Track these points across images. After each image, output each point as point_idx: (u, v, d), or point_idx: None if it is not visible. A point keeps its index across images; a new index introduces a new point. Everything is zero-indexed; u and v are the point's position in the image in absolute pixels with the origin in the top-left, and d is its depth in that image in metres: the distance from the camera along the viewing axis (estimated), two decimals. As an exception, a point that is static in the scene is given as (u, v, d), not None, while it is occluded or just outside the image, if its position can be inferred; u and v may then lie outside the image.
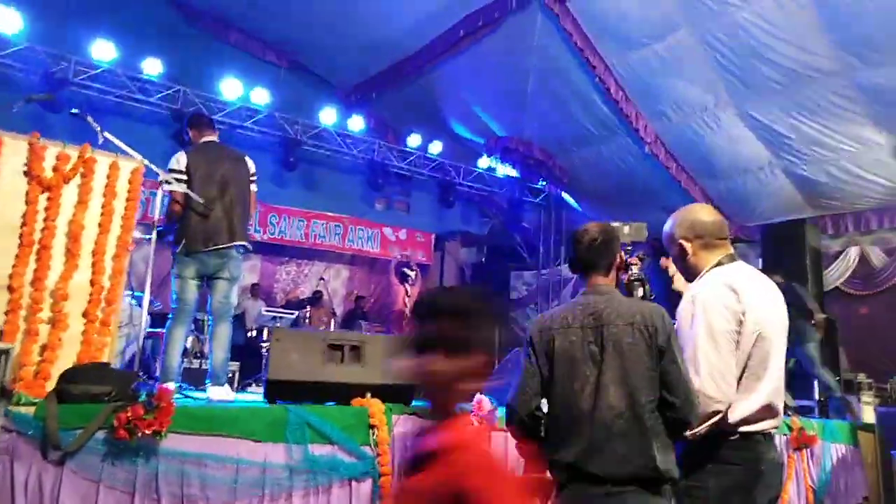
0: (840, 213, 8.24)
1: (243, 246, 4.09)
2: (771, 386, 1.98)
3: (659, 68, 7.04)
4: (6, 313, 3.05)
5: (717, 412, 1.92)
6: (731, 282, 2.01)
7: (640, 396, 1.88)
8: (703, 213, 2.20)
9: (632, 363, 1.92)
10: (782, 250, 8.16)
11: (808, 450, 5.07)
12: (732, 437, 1.96)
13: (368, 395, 3.47)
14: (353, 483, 3.20)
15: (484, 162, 10.44)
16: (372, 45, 8.50)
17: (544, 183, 10.88)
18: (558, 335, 2.06)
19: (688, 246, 2.15)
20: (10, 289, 3.09)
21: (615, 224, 3.35)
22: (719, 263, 2.10)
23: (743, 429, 1.96)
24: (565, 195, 10.72)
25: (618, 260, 2.16)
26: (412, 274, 8.00)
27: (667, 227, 2.25)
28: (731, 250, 2.16)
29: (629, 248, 3.24)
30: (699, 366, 1.94)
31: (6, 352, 2.10)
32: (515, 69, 8.07)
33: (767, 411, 1.99)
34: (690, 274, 2.18)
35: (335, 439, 3.21)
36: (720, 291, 1.99)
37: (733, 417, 1.95)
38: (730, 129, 7.36)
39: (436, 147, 9.94)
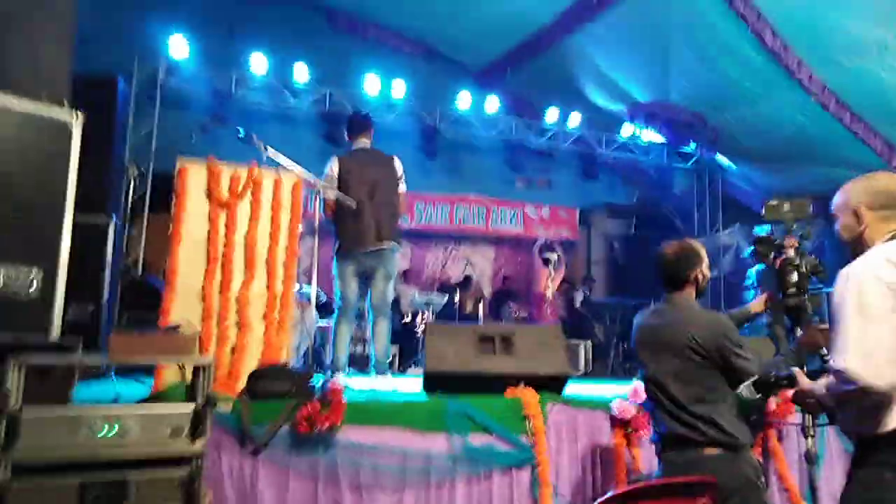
0: None
1: (394, 245, 4.31)
2: None
3: (822, 9, 6.27)
4: (201, 320, 3.50)
5: (865, 390, 1.69)
6: (893, 254, 1.79)
7: (688, 389, 2.45)
8: (893, 183, 1.95)
9: (680, 363, 2.47)
10: None
11: None
12: None
13: (522, 384, 3.55)
14: (513, 471, 3.32)
15: (627, 130, 10.00)
16: (502, 23, 8.40)
17: (694, 146, 10.23)
18: (635, 331, 2.73)
19: (864, 215, 1.92)
20: (203, 298, 3.53)
21: (773, 202, 3.11)
22: (893, 238, 1.87)
23: None
24: (719, 157, 10.00)
25: (695, 273, 2.61)
26: (554, 257, 7.90)
27: (842, 193, 2.02)
28: None
29: (790, 226, 3.00)
30: (847, 345, 1.74)
31: (208, 366, 2.42)
32: (656, 29, 7.59)
33: None
34: (859, 248, 1.94)
35: (493, 429, 3.33)
36: (876, 263, 1.80)
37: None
38: (916, 67, 6.42)
39: (574, 119, 9.69)
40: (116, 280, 5.41)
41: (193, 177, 3.69)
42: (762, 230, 3.12)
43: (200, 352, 2.62)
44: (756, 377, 2.37)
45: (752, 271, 7.20)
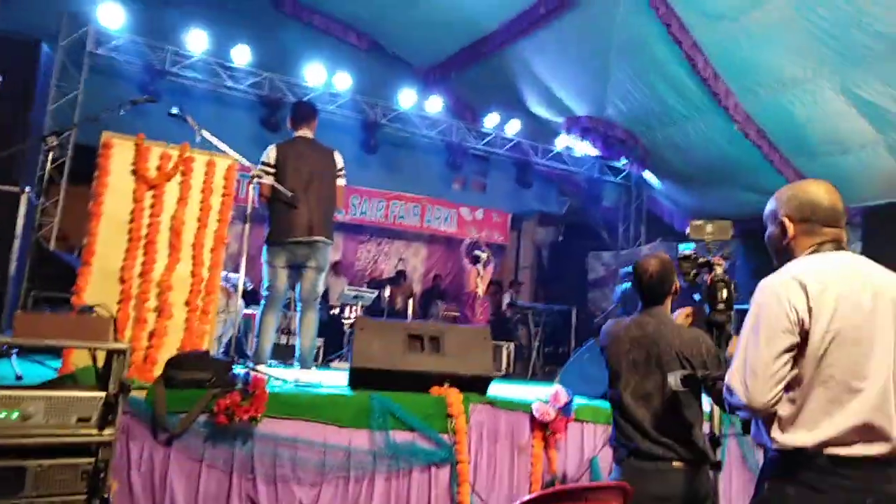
0: (954, 195, 7.59)
1: (326, 240, 4.24)
2: (870, 402, 1.65)
3: (748, 42, 6.64)
4: (118, 303, 3.34)
5: (748, 406, 1.72)
6: (803, 273, 1.73)
7: (667, 406, 2.47)
8: (820, 194, 1.86)
9: (665, 378, 2.42)
10: (886, 235, 7.63)
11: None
12: (818, 459, 1.65)
13: (447, 384, 3.58)
14: (433, 469, 3.34)
15: (562, 141, 10.26)
16: (450, 25, 8.47)
17: (625, 162, 10.60)
18: (611, 342, 2.68)
19: (790, 227, 1.86)
20: (122, 280, 3.37)
21: (697, 222, 3.28)
22: (816, 251, 1.82)
23: (831, 451, 1.65)
24: (647, 174, 10.40)
25: (674, 286, 2.68)
26: (483, 255, 7.95)
27: (772, 201, 1.97)
28: (840, 237, 1.86)
29: (711, 246, 3.17)
30: (736, 360, 1.76)
31: (124, 351, 2.31)
32: (596, 46, 7.84)
33: (866, 433, 1.64)
34: (783, 259, 1.89)
35: (415, 427, 3.35)
36: (782, 282, 1.75)
37: (812, 439, 1.67)
38: (827, 104, 6.88)
39: (513, 126, 9.86)
40: (26, 254, 5.08)
41: (119, 152, 3.51)
42: (687, 248, 3.26)
43: (116, 336, 2.50)
44: (687, 371, 2.40)
45: (619, 289, 7.45)
